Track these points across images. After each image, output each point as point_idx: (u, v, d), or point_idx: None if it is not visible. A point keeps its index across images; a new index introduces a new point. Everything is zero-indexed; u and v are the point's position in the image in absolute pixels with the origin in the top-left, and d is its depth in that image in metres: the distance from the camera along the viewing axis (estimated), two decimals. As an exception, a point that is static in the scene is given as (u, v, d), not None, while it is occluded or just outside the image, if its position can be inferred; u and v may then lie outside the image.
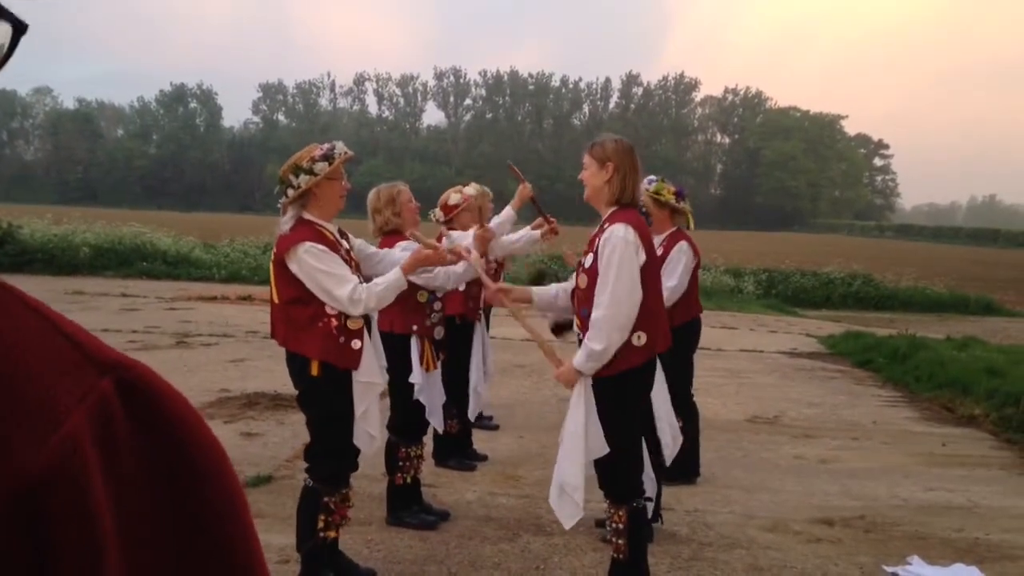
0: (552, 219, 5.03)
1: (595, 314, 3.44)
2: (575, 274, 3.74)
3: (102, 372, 0.53)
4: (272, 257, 3.64)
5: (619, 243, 3.42)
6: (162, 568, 0.53)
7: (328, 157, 3.56)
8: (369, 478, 4.94)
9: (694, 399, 5.55)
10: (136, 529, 0.52)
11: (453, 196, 5.36)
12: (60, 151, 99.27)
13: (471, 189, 5.42)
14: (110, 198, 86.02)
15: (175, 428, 0.55)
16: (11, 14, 0.55)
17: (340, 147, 3.64)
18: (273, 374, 7.96)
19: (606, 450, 3.50)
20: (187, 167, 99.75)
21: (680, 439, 4.26)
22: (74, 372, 0.52)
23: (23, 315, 0.53)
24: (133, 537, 0.52)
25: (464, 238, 4.66)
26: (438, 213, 5.39)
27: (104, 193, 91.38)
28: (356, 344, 3.60)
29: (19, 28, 0.55)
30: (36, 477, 0.48)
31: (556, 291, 3.88)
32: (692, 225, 5.39)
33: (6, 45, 0.55)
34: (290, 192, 3.56)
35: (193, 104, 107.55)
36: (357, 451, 3.76)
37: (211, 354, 9.37)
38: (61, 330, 0.54)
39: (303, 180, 3.53)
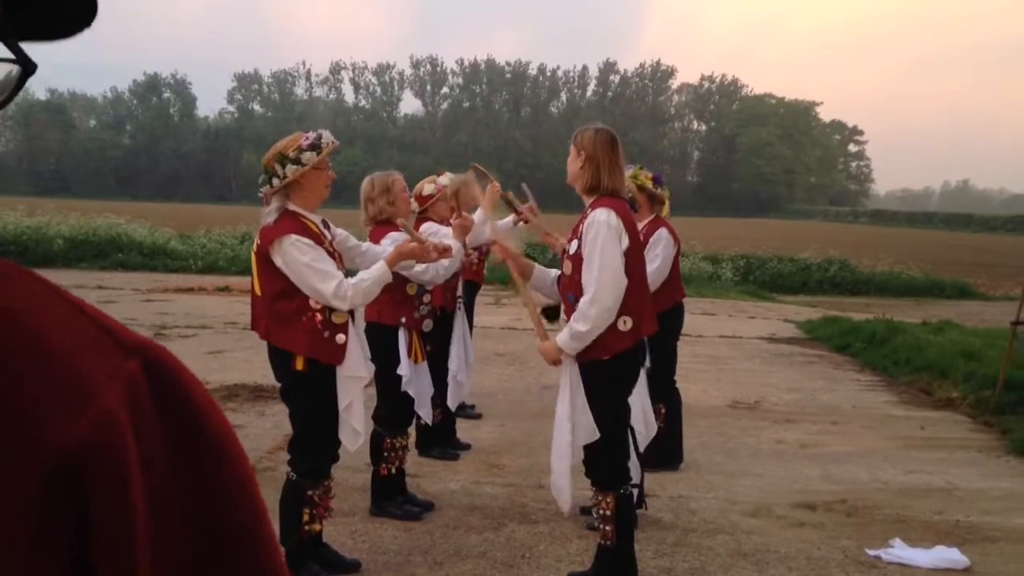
0: (522, 212, 5.08)
1: (583, 298, 3.46)
2: (560, 261, 3.74)
3: (129, 353, 0.54)
4: (255, 249, 3.59)
5: (602, 227, 3.45)
6: (183, 541, 0.55)
7: (315, 146, 3.52)
8: (352, 469, 4.92)
9: (676, 386, 5.56)
10: (159, 503, 0.53)
11: (427, 187, 5.32)
12: (32, 142, 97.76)
13: (445, 179, 5.38)
14: (84, 189, 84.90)
15: (194, 410, 0.56)
16: (25, 56, 0.55)
17: (327, 136, 3.61)
18: (252, 365, 7.91)
19: (596, 436, 3.50)
20: (161, 157, 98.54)
21: (654, 426, 4.28)
22: (103, 353, 0.53)
23: (48, 298, 0.55)
24: (158, 511, 0.53)
25: (439, 231, 4.67)
26: (412, 204, 5.36)
27: (78, 184, 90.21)
28: (340, 339, 3.57)
29: (28, 68, 0.56)
30: (74, 451, 0.49)
31: (554, 276, 3.87)
32: (667, 211, 5.43)
33: (13, 84, 0.56)
34: (275, 182, 3.51)
35: (167, 94, 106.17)
36: (339, 443, 3.74)
37: (189, 346, 9.28)
38: (86, 313, 0.56)
39: (290, 170, 3.48)
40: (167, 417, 0.54)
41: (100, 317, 0.56)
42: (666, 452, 5.40)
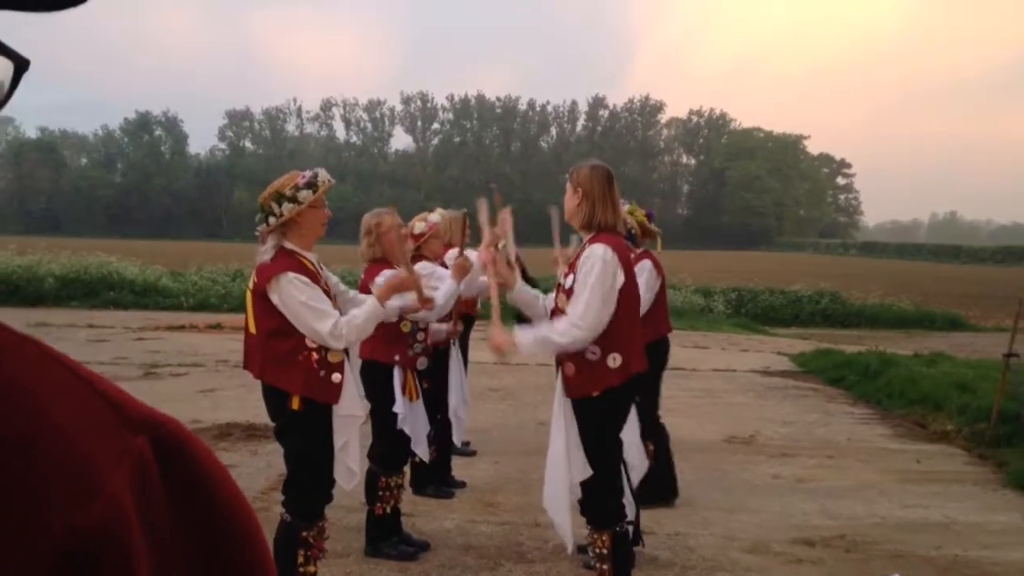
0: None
1: (565, 320, 3.45)
2: (555, 293, 3.73)
3: (136, 430, 0.53)
4: (251, 287, 3.58)
5: (597, 261, 3.46)
6: None
7: (312, 185, 3.53)
8: (346, 508, 4.87)
9: (662, 420, 5.52)
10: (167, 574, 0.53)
11: (418, 225, 5.28)
12: (23, 181, 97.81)
13: (436, 216, 5.35)
14: (75, 227, 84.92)
15: (206, 485, 0.56)
16: (12, 51, 0.54)
17: (323, 175, 3.62)
18: (245, 403, 7.85)
19: (589, 472, 3.48)
20: (153, 195, 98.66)
21: (647, 461, 4.25)
22: (110, 431, 0.53)
23: (54, 372, 0.54)
24: None
25: (436, 271, 4.66)
26: (408, 243, 5.34)
27: (68, 223, 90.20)
28: (336, 378, 3.56)
29: (21, 65, 0.55)
30: (80, 538, 0.49)
31: (538, 295, 3.86)
32: (659, 247, 5.48)
33: (7, 83, 0.55)
34: (272, 220, 3.52)
35: (158, 131, 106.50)
36: (333, 483, 3.71)
37: (181, 384, 9.23)
38: (92, 387, 0.55)
39: (286, 208, 3.49)
40: (177, 493, 0.54)
41: (108, 391, 0.55)
42: (660, 488, 5.36)
